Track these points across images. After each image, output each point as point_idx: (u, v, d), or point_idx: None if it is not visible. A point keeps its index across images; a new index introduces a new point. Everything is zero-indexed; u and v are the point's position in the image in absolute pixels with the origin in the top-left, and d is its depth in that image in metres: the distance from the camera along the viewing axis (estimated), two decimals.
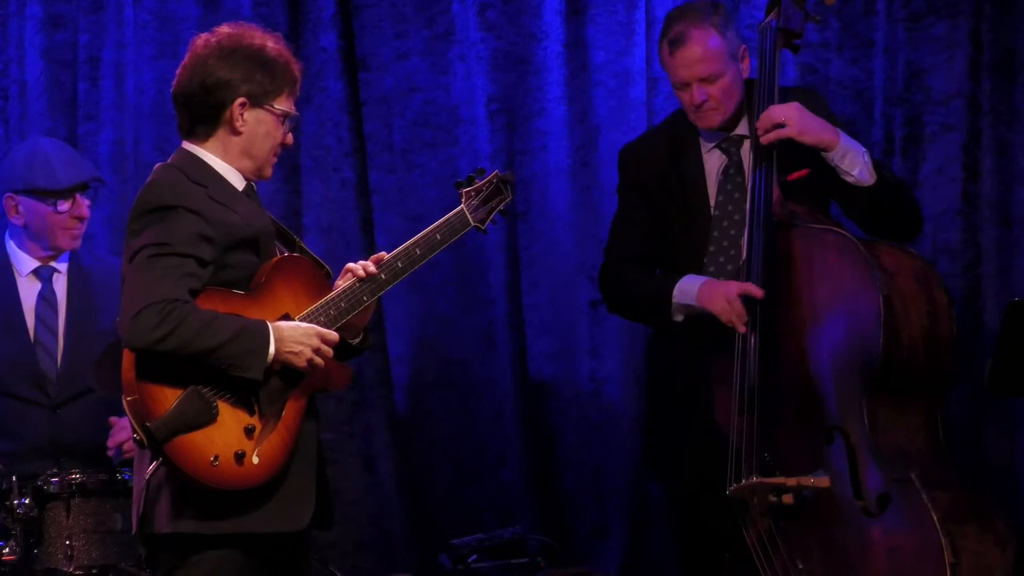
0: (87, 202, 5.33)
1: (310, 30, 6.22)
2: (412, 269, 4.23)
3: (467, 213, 4.36)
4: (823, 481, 4.55)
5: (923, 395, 4.64)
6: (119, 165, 6.22)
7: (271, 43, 4.14)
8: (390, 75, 6.22)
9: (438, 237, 4.27)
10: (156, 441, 3.89)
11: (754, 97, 4.86)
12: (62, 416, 5.25)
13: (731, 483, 4.63)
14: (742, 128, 4.98)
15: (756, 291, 4.68)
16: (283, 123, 4.15)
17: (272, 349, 3.95)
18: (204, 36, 4.14)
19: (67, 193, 5.27)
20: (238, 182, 4.13)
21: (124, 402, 3.94)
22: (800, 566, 4.57)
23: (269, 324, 3.97)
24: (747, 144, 4.96)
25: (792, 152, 4.78)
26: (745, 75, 4.95)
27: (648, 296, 4.96)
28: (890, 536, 4.48)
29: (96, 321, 5.33)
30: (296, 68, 4.17)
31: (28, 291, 5.34)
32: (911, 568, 4.45)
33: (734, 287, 4.71)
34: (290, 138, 4.19)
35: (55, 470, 5.02)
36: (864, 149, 4.81)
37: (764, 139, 4.75)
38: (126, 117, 6.23)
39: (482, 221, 4.40)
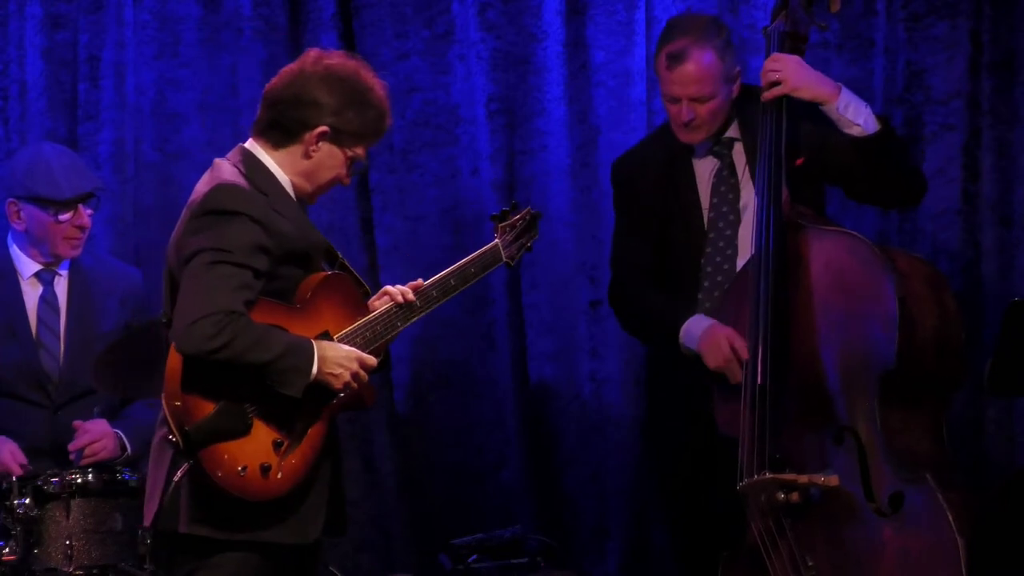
0: (89, 211, 5.31)
1: (310, 30, 6.21)
2: (445, 299, 4.29)
3: (501, 249, 4.44)
4: (832, 480, 4.56)
5: (931, 397, 4.66)
6: (119, 165, 6.21)
7: (379, 89, 4.15)
8: (390, 75, 6.18)
9: (472, 270, 4.34)
10: (192, 445, 3.92)
11: (756, 103, 4.88)
12: (63, 417, 5.25)
13: (741, 478, 4.64)
14: (732, 131, 5.00)
15: (741, 347, 4.70)
16: (349, 165, 4.15)
17: (315, 369, 3.97)
18: (318, 52, 4.17)
19: (69, 204, 5.26)
20: (294, 195, 4.15)
21: (164, 403, 3.97)
22: (810, 563, 4.58)
23: (313, 343, 3.99)
24: (738, 146, 5.00)
25: (792, 137, 4.79)
26: (735, 96, 4.97)
27: (656, 332, 4.98)
28: (902, 536, 4.48)
29: (96, 323, 5.33)
30: (388, 121, 4.17)
31: (30, 294, 5.34)
32: (925, 569, 4.45)
33: (726, 340, 4.72)
34: (348, 180, 4.20)
35: (55, 470, 5.02)
36: (866, 103, 4.83)
37: (764, 96, 4.79)
38: (126, 117, 6.22)
39: (512, 257, 4.48)
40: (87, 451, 5.14)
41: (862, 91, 5.82)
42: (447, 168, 6.19)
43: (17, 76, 6.23)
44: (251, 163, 4.11)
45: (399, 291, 4.20)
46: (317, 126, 4.08)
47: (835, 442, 4.60)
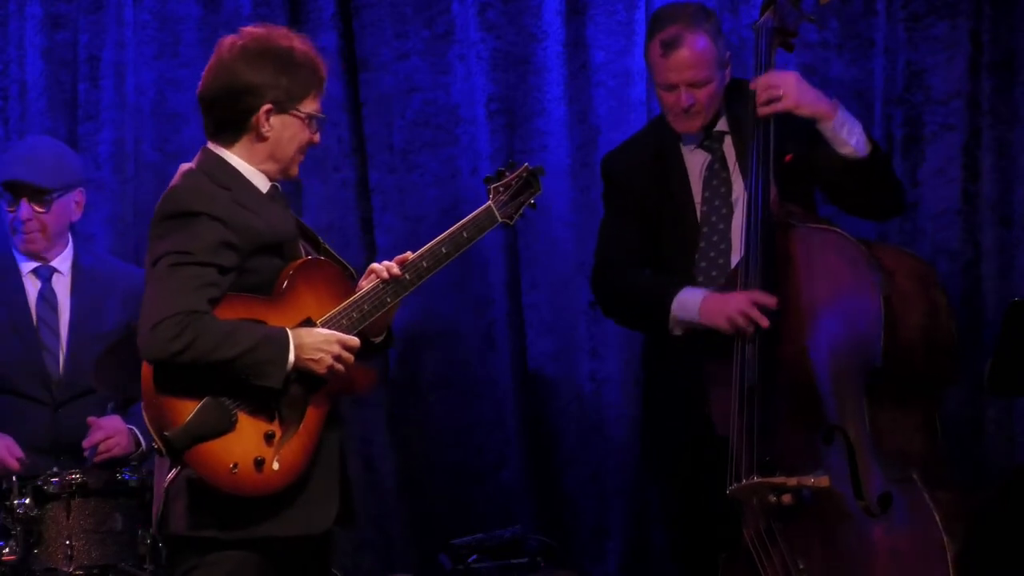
0: (34, 208, 5.25)
1: (310, 30, 6.20)
2: (438, 268, 4.18)
3: (495, 209, 4.31)
4: (823, 481, 4.55)
5: (922, 395, 4.64)
6: (119, 165, 6.22)
7: (298, 44, 4.11)
8: (390, 75, 6.22)
9: (464, 235, 4.23)
10: (174, 450, 3.88)
11: (748, 96, 4.87)
12: (63, 416, 5.25)
13: (731, 482, 4.63)
14: (722, 125, 5.00)
15: (769, 300, 4.66)
16: (309, 124, 4.11)
17: (291, 357, 3.92)
18: (231, 38, 4.10)
19: (6, 188, 5.23)
20: (263, 184, 4.11)
21: (143, 411, 3.93)
22: (801, 566, 4.57)
23: (289, 331, 3.95)
24: (728, 140, 5.00)
25: (781, 134, 4.78)
26: (727, 81, 4.96)
27: (644, 305, 4.95)
28: (892, 536, 4.48)
29: (98, 322, 5.33)
30: (323, 68, 4.14)
31: (31, 291, 5.34)
32: (914, 568, 4.45)
33: (744, 298, 4.69)
34: (317, 137, 4.15)
35: (55, 470, 5.01)
36: (858, 121, 4.82)
37: (761, 111, 4.75)
38: (126, 117, 6.23)
39: (510, 216, 4.35)
40: (101, 447, 5.12)
41: (862, 91, 5.86)
42: (447, 168, 6.19)
43: (17, 76, 6.24)
44: (211, 161, 4.09)
45: (384, 267, 4.12)
46: (260, 107, 4.05)
47: (825, 441, 4.59)
